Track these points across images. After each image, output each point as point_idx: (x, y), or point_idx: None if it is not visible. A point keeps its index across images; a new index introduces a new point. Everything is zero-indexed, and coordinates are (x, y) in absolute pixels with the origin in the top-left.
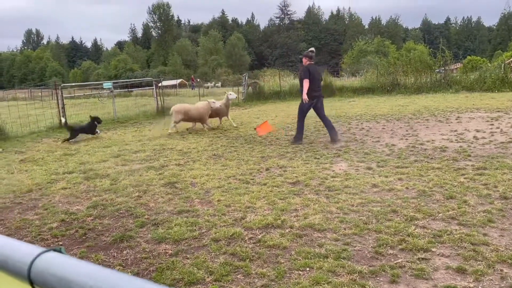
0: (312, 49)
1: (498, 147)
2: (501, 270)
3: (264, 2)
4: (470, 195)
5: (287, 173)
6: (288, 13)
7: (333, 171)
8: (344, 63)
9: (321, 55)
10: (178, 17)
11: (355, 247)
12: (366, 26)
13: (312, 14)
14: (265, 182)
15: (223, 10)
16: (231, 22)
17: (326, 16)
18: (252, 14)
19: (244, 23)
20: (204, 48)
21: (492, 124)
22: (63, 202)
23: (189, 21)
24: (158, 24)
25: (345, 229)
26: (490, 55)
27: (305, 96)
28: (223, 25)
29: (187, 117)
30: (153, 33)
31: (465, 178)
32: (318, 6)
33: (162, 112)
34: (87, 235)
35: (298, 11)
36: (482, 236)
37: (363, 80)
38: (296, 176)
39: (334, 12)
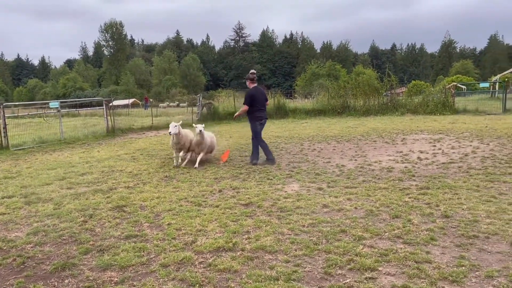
0: (253, 71)
1: (440, 167)
2: (443, 287)
3: (219, 24)
4: (414, 214)
5: (240, 195)
6: (243, 35)
7: (285, 192)
8: (297, 85)
9: (276, 77)
10: (131, 36)
11: (305, 268)
12: (318, 50)
13: (266, 37)
14: (218, 204)
15: (177, 30)
16: (186, 42)
17: (280, 40)
18: (207, 35)
19: (199, 44)
20: (158, 67)
21: (435, 146)
22: (1, 228)
23: (142, 41)
24: (110, 42)
25: (296, 250)
26: (433, 79)
27: (236, 114)
28: (177, 45)
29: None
30: (105, 51)
31: (409, 198)
32: (272, 30)
33: (113, 132)
34: (25, 264)
35: (253, 34)
36: (425, 254)
37: (315, 102)
38: (249, 198)
39: (288, 36)
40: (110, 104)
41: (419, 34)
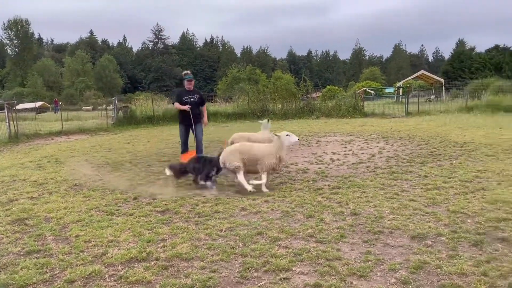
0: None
1: (350, 167)
2: (351, 283)
3: (136, 24)
4: (326, 213)
5: (156, 201)
6: (162, 37)
7: (204, 196)
8: (219, 89)
9: (197, 80)
10: (39, 35)
11: (221, 273)
12: (239, 55)
13: (186, 40)
14: (132, 213)
15: (91, 30)
16: (100, 43)
17: (200, 43)
18: (124, 36)
19: (115, 45)
20: (70, 69)
21: (346, 147)
22: None
23: (52, 40)
24: (15, 41)
25: (212, 255)
26: (346, 85)
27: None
28: (91, 46)
29: None
30: (8, 51)
31: (322, 197)
32: (192, 33)
33: (16, 138)
34: None
35: (172, 36)
36: (335, 251)
37: (236, 106)
38: (165, 204)
39: (208, 40)
40: (14, 107)
41: (333, 42)
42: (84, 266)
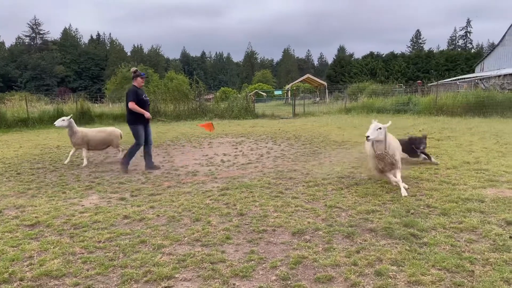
0: (133, 68)
1: (240, 168)
2: (234, 284)
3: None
4: (213, 215)
5: (25, 214)
6: (41, 32)
7: (82, 205)
8: (107, 89)
9: (82, 79)
10: None
11: None
12: (129, 53)
13: (69, 36)
14: None
15: None
16: None
17: (85, 40)
18: None
19: None
20: None
21: (237, 148)
22: None
23: None
24: None
25: (88, 270)
26: (239, 87)
27: (147, 115)
28: None
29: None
30: None
31: (210, 200)
32: (76, 29)
33: None
34: None
35: (53, 31)
36: (220, 253)
37: (124, 107)
38: (36, 217)
39: (94, 36)
40: None
41: (226, 44)
42: None
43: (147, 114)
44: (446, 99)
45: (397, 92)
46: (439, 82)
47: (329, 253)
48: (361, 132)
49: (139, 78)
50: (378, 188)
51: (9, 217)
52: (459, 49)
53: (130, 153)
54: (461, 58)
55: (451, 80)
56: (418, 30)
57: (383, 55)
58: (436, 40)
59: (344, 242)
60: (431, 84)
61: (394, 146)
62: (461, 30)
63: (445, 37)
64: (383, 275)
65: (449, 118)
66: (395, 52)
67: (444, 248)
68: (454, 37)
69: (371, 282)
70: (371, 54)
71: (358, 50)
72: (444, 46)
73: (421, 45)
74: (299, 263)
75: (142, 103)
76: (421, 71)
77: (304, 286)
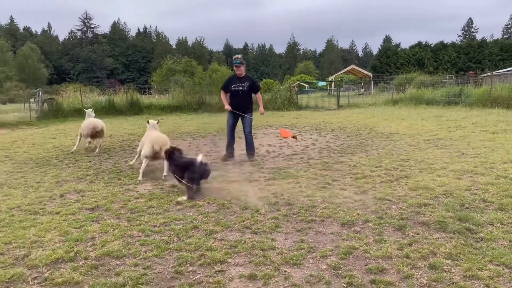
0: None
1: (285, 159)
2: (285, 271)
3: (63, 11)
4: (261, 204)
5: (85, 198)
6: (91, 26)
7: (137, 191)
8: (153, 81)
9: (130, 72)
10: None
11: (155, 269)
12: (174, 46)
13: (118, 29)
14: (58, 211)
15: (12, 16)
16: (22, 30)
17: (133, 33)
18: (49, 23)
19: (39, 33)
20: None
21: (281, 139)
22: None
23: None
24: None
25: (145, 252)
26: (281, 78)
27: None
28: (12, 33)
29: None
30: None
31: (258, 189)
32: (124, 22)
33: None
34: None
35: (103, 25)
36: (270, 241)
37: (171, 98)
38: (95, 201)
39: (141, 30)
40: None
41: (268, 36)
42: (4, 269)
43: (226, 106)
44: (501, 91)
45: (448, 83)
46: (494, 72)
47: (380, 245)
48: (409, 124)
49: (234, 66)
50: (429, 181)
51: (71, 200)
52: None
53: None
54: None
55: (507, 71)
56: (470, 19)
57: (432, 45)
58: (490, 29)
59: (395, 234)
60: (484, 74)
61: None
62: None
63: (499, 26)
64: (438, 268)
65: (505, 111)
66: (445, 42)
67: (502, 244)
68: (509, 26)
69: (425, 275)
70: (419, 43)
71: (405, 40)
72: (498, 35)
73: (473, 34)
74: (350, 254)
75: (231, 93)
76: (473, 61)
77: (356, 276)
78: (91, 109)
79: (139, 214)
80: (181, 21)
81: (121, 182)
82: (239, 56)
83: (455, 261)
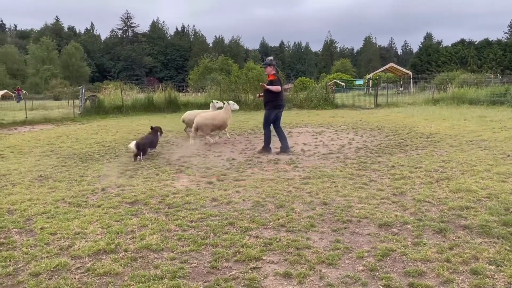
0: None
1: (321, 158)
2: (320, 271)
3: (105, 11)
4: (296, 203)
5: (125, 193)
6: (132, 25)
7: (174, 187)
8: (190, 79)
9: (168, 70)
10: (1, 21)
11: (191, 264)
12: (211, 44)
13: (156, 28)
14: (100, 204)
15: (57, 16)
16: (67, 30)
17: (171, 32)
18: (92, 23)
19: (82, 32)
20: (34, 56)
21: (316, 138)
22: None
23: (15, 26)
24: None
25: (182, 246)
26: (317, 77)
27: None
28: (57, 33)
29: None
30: None
31: (293, 188)
32: (163, 21)
33: None
34: None
35: (142, 24)
36: (305, 240)
37: (208, 96)
38: (135, 195)
39: (179, 29)
40: None
41: (305, 34)
42: (49, 258)
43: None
44: None
45: (493, 82)
46: None
47: (419, 248)
48: (451, 124)
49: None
50: (472, 184)
51: (112, 194)
52: None
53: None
54: None
55: None
56: None
57: (476, 42)
58: None
59: (435, 237)
60: None
61: None
62: None
63: None
64: (480, 274)
65: None
66: (490, 39)
67: None
68: None
69: (466, 280)
70: (462, 41)
71: (447, 37)
72: None
73: None
74: (387, 256)
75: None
76: None
77: (393, 279)
78: (216, 101)
79: (176, 209)
80: (218, 19)
81: (159, 177)
82: (268, 58)
83: (499, 267)
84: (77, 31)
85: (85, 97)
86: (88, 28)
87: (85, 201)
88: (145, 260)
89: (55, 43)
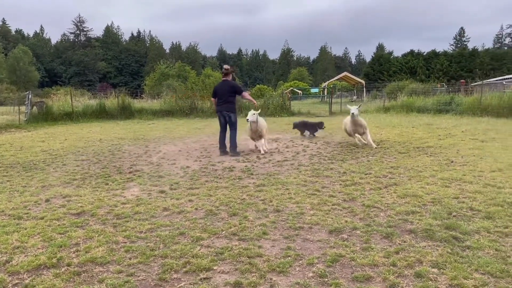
0: (226, 66)
1: (275, 165)
2: (271, 279)
3: (55, 14)
4: (250, 210)
5: (71, 203)
6: (84, 29)
7: (124, 197)
8: (146, 85)
9: (122, 75)
10: None
11: (139, 277)
12: (167, 51)
13: (111, 33)
14: (43, 216)
15: (4, 19)
16: (14, 33)
17: (126, 37)
18: (41, 26)
19: (31, 36)
20: None
21: (272, 145)
22: None
23: None
24: None
25: (130, 258)
26: (275, 84)
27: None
28: (4, 36)
29: None
30: None
31: (247, 195)
32: (117, 26)
33: None
34: None
35: (96, 28)
36: (257, 248)
37: (163, 103)
38: (81, 206)
39: (135, 34)
40: None
41: (262, 42)
42: None
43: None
44: (491, 99)
45: (439, 92)
46: (484, 81)
47: (367, 253)
48: (400, 131)
49: None
50: (418, 189)
51: (57, 205)
52: (505, 48)
53: (234, 140)
54: (507, 57)
55: (497, 80)
56: (461, 28)
57: (424, 53)
58: (481, 38)
59: (383, 242)
60: (475, 83)
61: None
62: (508, 27)
63: (491, 35)
64: (423, 277)
65: (494, 119)
66: (437, 50)
67: (488, 253)
68: (500, 35)
69: (411, 283)
70: (412, 52)
71: (398, 48)
72: (489, 45)
73: (465, 43)
74: (337, 261)
75: None
76: (465, 70)
77: (342, 285)
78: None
79: (125, 219)
80: (175, 25)
81: (109, 187)
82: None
83: (441, 270)
84: (26, 34)
85: (32, 103)
86: (38, 31)
87: (27, 213)
88: (89, 274)
89: (1, 46)
